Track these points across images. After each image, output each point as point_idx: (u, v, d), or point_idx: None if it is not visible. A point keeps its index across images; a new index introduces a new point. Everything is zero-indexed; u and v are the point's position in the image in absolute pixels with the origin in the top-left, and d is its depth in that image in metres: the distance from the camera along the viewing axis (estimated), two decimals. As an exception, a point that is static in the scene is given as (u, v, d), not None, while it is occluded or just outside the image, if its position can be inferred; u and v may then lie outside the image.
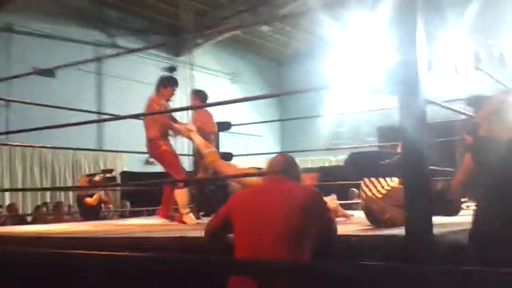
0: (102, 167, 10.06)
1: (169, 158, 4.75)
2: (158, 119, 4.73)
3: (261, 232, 2.32)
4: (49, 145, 8.35)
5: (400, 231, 2.15)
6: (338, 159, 12.38)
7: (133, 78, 11.63)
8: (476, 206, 2.48)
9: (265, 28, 13.29)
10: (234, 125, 6.30)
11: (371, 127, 12.73)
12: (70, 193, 10.15)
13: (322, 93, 13.25)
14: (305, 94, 13.19)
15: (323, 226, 2.44)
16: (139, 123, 5.13)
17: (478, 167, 2.53)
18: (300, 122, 13.15)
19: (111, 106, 10.04)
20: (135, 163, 11.33)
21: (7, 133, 6.15)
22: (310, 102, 12.71)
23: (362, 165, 2.91)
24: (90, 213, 6.71)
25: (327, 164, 12.97)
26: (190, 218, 4.57)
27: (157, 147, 4.74)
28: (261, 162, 4.89)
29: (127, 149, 8.96)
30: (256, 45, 14.93)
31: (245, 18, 11.82)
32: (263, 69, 15.53)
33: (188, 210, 4.66)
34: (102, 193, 7.38)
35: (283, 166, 2.62)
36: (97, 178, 7.14)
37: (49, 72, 9.96)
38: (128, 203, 9.90)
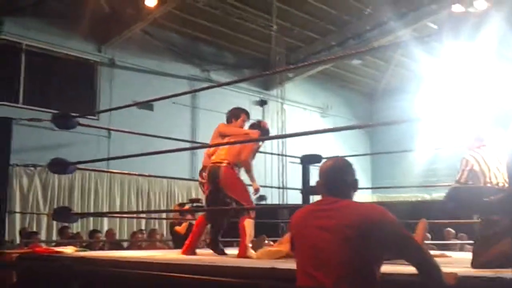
0: (194, 196, 10.35)
1: (243, 186, 4.63)
2: (240, 147, 4.69)
3: (316, 262, 2.13)
4: (145, 174, 8.78)
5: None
6: (433, 197, 11.89)
7: (225, 111, 11.94)
8: None
9: (356, 61, 13.24)
10: (324, 158, 6.27)
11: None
12: (164, 221, 10.51)
13: (415, 128, 12.89)
14: (397, 129, 12.89)
15: (394, 250, 2.15)
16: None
17: None
18: (391, 158, 12.83)
19: (205, 139, 10.35)
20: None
21: (108, 159, 6.51)
22: (401, 137, 12.39)
23: (465, 200, 2.72)
24: (180, 240, 6.84)
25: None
26: (252, 252, 4.36)
27: (233, 173, 4.62)
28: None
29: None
30: (347, 79, 14.88)
31: (336, 52, 11.86)
32: (354, 104, 15.40)
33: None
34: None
35: (328, 179, 2.29)
36: (186, 207, 7.32)
37: (147, 105, 10.53)
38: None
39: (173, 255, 4.35)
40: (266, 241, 4.65)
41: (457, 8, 9.43)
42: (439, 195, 10.57)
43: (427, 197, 12.65)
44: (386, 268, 2.19)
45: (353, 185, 2.34)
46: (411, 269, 2.16)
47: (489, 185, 3.33)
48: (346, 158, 2.50)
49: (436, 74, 12.41)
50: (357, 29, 11.66)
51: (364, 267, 2.08)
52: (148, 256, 4.08)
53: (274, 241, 5.00)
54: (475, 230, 3.67)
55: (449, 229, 6.98)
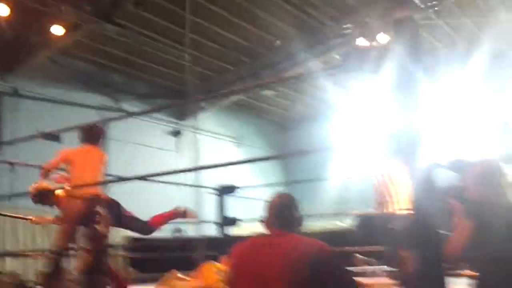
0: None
1: None
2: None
3: None
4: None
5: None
6: (344, 223, 12.23)
7: (139, 141, 11.72)
8: (476, 277, 2.41)
9: (268, 92, 13.52)
10: (238, 188, 6.28)
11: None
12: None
13: (327, 157, 13.28)
14: (310, 158, 13.23)
15: (332, 283, 2.15)
16: (142, 186, 5.03)
17: (477, 233, 2.43)
18: (305, 187, 13.04)
19: (117, 170, 10.04)
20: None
21: (9, 196, 6.14)
22: (315, 166, 12.71)
23: (373, 229, 2.84)
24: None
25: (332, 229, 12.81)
26: None
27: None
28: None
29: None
30: (260, 109, 15.13)
31: (249, 83, 12.04)
32: (268, 133, 15.66)
33: None
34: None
35: (278, 214, 2.34)
36: None
37: (54, 136, 10.05)
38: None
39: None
40: (179, 275, 4.52)
41: (361, 42, 9.91)
42: (349, 221, 10.91)
43: (340, 224, 13.00)
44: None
45: (299, 221, 2.39)
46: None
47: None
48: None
49: (345, 104, 12.93)
50: (268, 60, 11.92)
51: None
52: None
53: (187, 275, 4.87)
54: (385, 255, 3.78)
55: (357, 255, 7.16)
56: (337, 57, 11.28)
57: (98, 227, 4.15)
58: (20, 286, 7.43)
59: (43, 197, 4.49)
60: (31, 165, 6.41)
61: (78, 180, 4.43)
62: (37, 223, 5.21)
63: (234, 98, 13.11)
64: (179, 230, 11.45)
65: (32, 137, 5.29)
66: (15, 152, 9.15)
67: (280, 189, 14.58)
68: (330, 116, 14.32)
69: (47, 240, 9.85)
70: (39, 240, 9.74)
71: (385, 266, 3.94)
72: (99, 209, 4.21)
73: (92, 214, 4.21)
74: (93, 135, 4.59)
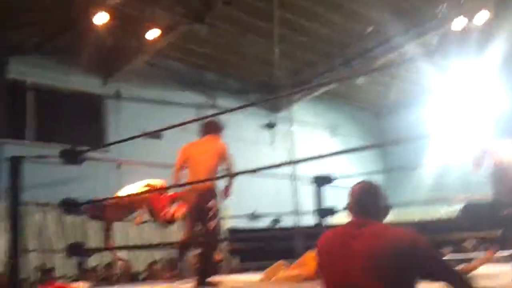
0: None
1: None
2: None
3: (343, 283, 2.07)
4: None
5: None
6: (446, 211, 11.76)
7: (234, 136, 11.94)
8: None
9: (361, 80, 13.25)
10: (335, 179, 6.20)
11: (481, 177, 12.05)
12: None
13: (424, 143, 12.81)
14: (407, 146, 12.81)
15: (428, 275, 2.07)
16: (243, 179, 5.06)
17: None
18: (403, 175, 12.74)
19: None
20: (239, 219, 11.44)
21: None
22: (412, 153, 12.31)
23: (478, 217, 2.68)
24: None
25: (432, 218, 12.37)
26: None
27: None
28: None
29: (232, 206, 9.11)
30: (353, 98, 14.89)
31: (341, 72, 11.89)
32: (363, 121, 15.37)
33: None
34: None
35: (360, 202, 2.24)
36: None
37: (155, 135, 10.54)
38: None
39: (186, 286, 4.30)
40: (284, 266, 4.56)
41: (458, 22, 9.45)
42: (452, 209, 10.47)
43: (440, 211, 12.51)
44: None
45: (385, 210, 2.29)
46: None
47: None
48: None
49: (443, 87, 12.40)
50: (359, 49, 11.70)
51: None
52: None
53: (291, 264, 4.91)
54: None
55: (466, 243, 6.86)
56: (433, 39, 10.85)
57: (210, 220, 4.26)
58: (130, 276, 7.86)
59: None
60: (136, 163, 6.76)
61: (193, 173, 4.58)
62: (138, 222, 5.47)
63: (326, 88, 12.99)
64: (277, 221, 11.52)
65: (134, 138, 5.53)
66: (120, 151, 9.74)
67: (377, 177, 14.29)
68: (426, 101, 13.79)
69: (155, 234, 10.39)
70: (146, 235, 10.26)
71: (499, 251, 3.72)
72: (212, 202, 4.30)
73: (205, 207, 4.32)
74: (209, 128, 4.73)
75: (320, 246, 2.28)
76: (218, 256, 5.55)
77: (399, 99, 15.00)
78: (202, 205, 4.33)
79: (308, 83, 12.10)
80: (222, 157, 4.46)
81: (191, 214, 4.57)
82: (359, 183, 2.35)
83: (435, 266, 2.06)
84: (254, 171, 4.65)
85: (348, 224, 2.24)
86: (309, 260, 4.07)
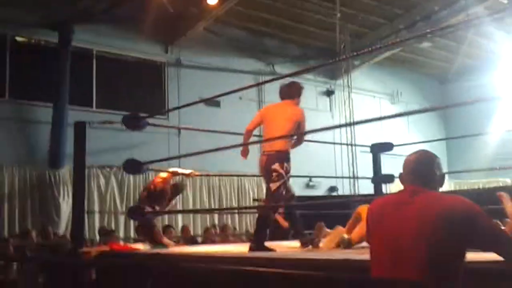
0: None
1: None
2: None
3: (392, 254, 2.03)
4: (216, 171, 8.90)
5: None
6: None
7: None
8: None
9: (425, 44, 12.75)
10: (395, 145, 6.07)
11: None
12: (236, 216, 10.62)
13: (491, 109, 12.30)
14: (471, 112, 12.33)
15: (482, 244, 2.04)
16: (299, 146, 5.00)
17: None
18: (467, 143, 12.29)
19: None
20: (296, 187, 11.48)
21: (179, 157, 6.64)
22: (476, 120, 11.87)
23: None
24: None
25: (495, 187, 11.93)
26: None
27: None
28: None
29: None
30: (416, 63, 14.38)
31: (404, 36, 11.48)
32: (425, 88, 14.85)
33: None
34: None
35: (415, 170, 2.20)
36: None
37: (214, 102, 10.65)
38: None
39: (245, 248, 4.36)
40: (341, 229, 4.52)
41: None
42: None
43: (508, 181, 12.04)
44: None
45: (440, 180, 2.24)
46: (490, 256, 2.05)
47: None
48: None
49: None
50: (425, 11, 11.23)
51: (446, 262, 1.96)
52: (219, 250, 4.11)
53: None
54: None
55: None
56: (503, 0, 10.26)
57: (272, 182, 4.27)
58: (189, 239, 8.07)
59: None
60: (196, 129, 6.86)
61: (264, 135, 4.63)
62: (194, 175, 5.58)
63: (388, 53, 12.60)
64: (334, 189, 11.51)
65: (194, 103, 5.62)
66: (180, 119, 9.93)
67: (438, 146, 13.85)
68: (494, 66, 13.16)
69: (213, 199, 10.60)
70: (205, 198, 10.48)
71: None
72: (277, 166, 4.31)
73: (270, 169, 4.34)
74: (286, 92, 4.71)
75: (371, 212, 2.28)
76: (283, 222, 5.57)
77: (465, 65, 14.39)
78: (268, 167, 4.34)
79: (370, 48, 11.76)
80: (296, 123, 4.42)
81: (263, 177, 4.62)
82: (414, 152, 2.30)
83: (489, 237, 2.02)
84: (313, 131, 4.60)
85: (401, 191, 2.21)
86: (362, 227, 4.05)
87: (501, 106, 11.85)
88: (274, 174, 4.29)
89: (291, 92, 4.68)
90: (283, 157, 4.36)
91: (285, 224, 5.49)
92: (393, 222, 2.08)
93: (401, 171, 2.25)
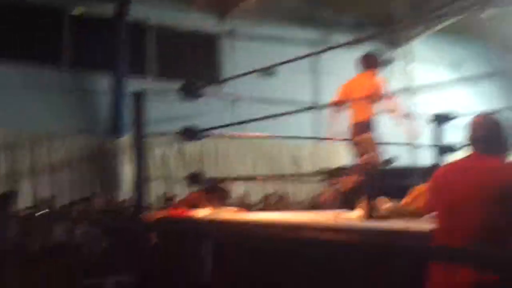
0: (321, 160, 10.40)
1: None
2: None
3: (456, 221, 1.99)
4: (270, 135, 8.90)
5: None
6: None
7: (348, 74, 11.64)
8: None
9: (492, 11, 12.12)
10: (455, 116, 5.85)
11: None
12: (294, 185, 10.64)
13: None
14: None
15: None
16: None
17: None
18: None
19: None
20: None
21: (233, 124, 6.65)
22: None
23: None
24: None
25: None
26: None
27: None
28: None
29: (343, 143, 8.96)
30: (481, 32, 13.72)
31: (467, 3, 10.95)
32: (491, 58, 14.19)
33: None
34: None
35: (482, 135, 2.12)
36: None
37: (269, 73, 10.56)
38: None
39: (303, 216, 4.34)
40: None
41: None
42: None
43: None
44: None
45: (506, 146, 2.13)
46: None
47: None
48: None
49: None
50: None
51: (507, 231, 1.91)
52: (277, 217, 4.10)
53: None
54: None
55: None
56: None
57: (362, 154, 4.28)
58: (246, 206, 8.12)
59: None
60: (251, 98, 6.86)
61: (351, 108, 4.62)
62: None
63: (451, 20, 12.06)
64: (393, 159, 11.18)
65: (248, 73, 5.57)
66: (235, 89, 9.93)
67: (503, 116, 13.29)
68: None
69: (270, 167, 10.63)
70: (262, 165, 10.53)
71: None
72: (365, 135, 4.32)
73: (358, 140, 4.37)
74: (363, 62, 4.69)
75: (436, 180, 2.22)
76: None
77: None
78: (357, 136, 4.37)
79: (430, 15, 11.31)
80: (376, 94, 4.38)
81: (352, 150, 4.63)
82: (479, 115, 2.24)
83: None
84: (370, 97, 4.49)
85: (466, 157, 2.16)
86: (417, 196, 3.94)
87: None
88: (362, 145, 4.29)
89: (368, 63, 4.66)
90: (368, 127, 4.35)
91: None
92: (456, 188, 2.05)
93: (467, 135, 2.19)
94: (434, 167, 4.63)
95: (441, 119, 5.69)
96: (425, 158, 8.23)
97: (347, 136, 4.54)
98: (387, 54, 12.59)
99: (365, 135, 4.35)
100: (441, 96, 11.56)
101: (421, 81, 11.68)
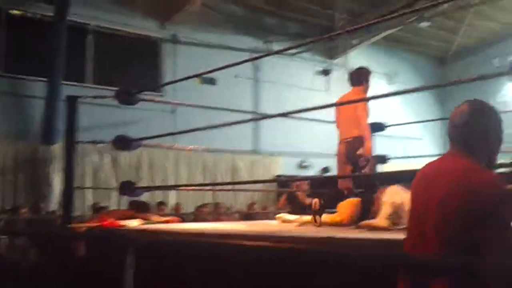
0: (258, 171, 10.46)
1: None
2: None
3: (420, 226, 1.76)
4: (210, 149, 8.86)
5: None
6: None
7: (289, 82, 11.83)
8: None
9: (424, 24, 12.62)
10: (389, 126, 6.02)
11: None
12: (229, 194, 10.60)
13: (491, 92, 12.24)
14: (471, 92, 12.22)
15: (497, 237, 1.59)
16: (293, 126, 5.01)
17: None
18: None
19: (269, 110, 10.31)
20: (289, 167, 11.49)
21: (172, 134, 6.56)
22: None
23: None
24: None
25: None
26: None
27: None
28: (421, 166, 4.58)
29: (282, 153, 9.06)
30: (414, 43, 14.24)
31: (403, 16, 11.34)
32: (423, 69, 14.75)
33: None
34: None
35: (455, 128, 1.81)
36: None
37: (210, 80, 10.57)
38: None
39: (232, 226, 4.35)
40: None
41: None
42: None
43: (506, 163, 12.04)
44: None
45: (488, 143, 1.76)
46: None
47: None
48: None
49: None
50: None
51: (462, 242, 1.61)
52: (206, 227, 4.10)
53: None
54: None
55: None
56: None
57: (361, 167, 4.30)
58: (179, 216, 8.04)
59: None
60: (191, 105, 6.82)
61: (339, 125, 4.67)
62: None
63: (386, 33, 12.47)
64: (326, 169, 11.47)
65: (187, 78, 5.52)
66: (175, 96, 9.85)
67: (435, 128, 13.71)
68: (495, 47, 13.08)
69: (206, 177, 10.58)
70: (199, 177, 10.46)
71: None
72: (360, 151, 4.35)
73: (353, 156, 4.37)
74: (352, 77, 4.69)
75: (413, 182, 1.93)
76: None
77: (466, 46, 14.28)
78: (350, 153, 4.39)
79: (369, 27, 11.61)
80: (356, 113, 4.41)
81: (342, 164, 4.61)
82: (463, 103, 1.86)
83: (497, 218, 1.60)
84: (303, 110, 4.55)
85: (441, 158, 1.88)
86: (344, 207, 4.05)
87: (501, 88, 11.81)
88: (360, 159, 4.31)
89: (357, 78, 4.66)
90: (356, 143, 4.38)
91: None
92: (423, 195, 1.78)
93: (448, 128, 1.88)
94: (367, 176, 4.71)
95: (372, 127, 5.82)
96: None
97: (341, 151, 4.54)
98: (326, 65, 12.86)
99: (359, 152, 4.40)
100: (376, 106, 11.94)
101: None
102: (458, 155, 1.76)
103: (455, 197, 1.63)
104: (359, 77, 4.64)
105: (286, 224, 4.35)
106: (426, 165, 1.91)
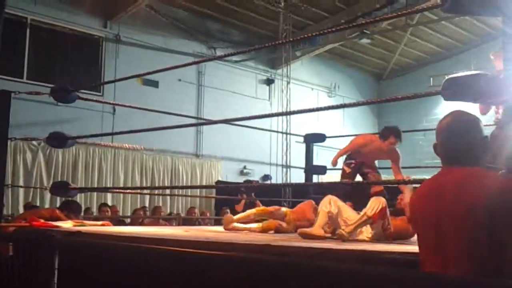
0: (198, 175, 10.41)
1: None
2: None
3: (437, 245, 1.72)
4: (151, 153, 8.75)
5: None
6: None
7: (232, 89, 11.89)
8: None
9: (365, 41, 13.03)
10: (328, 137, 6.17)
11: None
12: (168, 198, 10.48)
13: (425, 108, 12.76)
14: (405, 110, 12.75)
15: None
16: (236, 132, 5.02)
17: None
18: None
19: (210, 116, 10.32)
20: (230, 173, 11.52)
21: (112, 134, 6.45)
22: (411, 117, 12.28)
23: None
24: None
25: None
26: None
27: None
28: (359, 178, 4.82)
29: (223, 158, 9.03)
30: (355, 59, 14.68)
31: (345, 31, 11.67)
32: (362, 84, 15.23)
33: None
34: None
35: (444, 141, 1.79)
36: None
37: (152, 82, 10.45)
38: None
39: (169, 231, 4.31)
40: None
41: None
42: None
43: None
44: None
45: (478, 146, 1.78)
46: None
47: None
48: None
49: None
50: (367, 7, 11.44)
51: (489, 258, 1.62)
52: (140, 231, 4.04)
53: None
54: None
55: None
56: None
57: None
58: (115, 219, 7.89)
59: None
60: (131, 106, 6.71)
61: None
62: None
63: (328, 47, 12.79)
64: (267, 177, 11.62)
65: (129, 78, 5.43)
66: (116, 97, 9.68)
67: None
68: (430, 67, 13.69)
69: (145, 180, 10.42)
70: (137, 178, 10.29)
71: None
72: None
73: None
74: (385, 133, 4.75)
75: (415, 199, 1.93)
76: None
77: (403, 63, 14.85)
78: None
79: (313, 39, 11.84)
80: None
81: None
82: (447, 115, 1.83)
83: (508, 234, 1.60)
84: (245, 118, 4.61)
85: (442, 171, 1.83)
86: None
87: (435, 106, 12.34)
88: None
89: (387, 135, 4.70)
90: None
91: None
92: (432, 211, 1.75)
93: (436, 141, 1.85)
94: (304, 185, 4.80)
95: (311, 138, 5.95)
96: (297, 177, 8.56)
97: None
98: (268, 74, 13.01)
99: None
100: (315, 117, 12.22)
101: (298, 102, 12.19)
102: (452, 167, 1.78)
103: (476, 203, 1.63)
104: (384, 134, 4.74)
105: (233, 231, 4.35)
106: (428, 180, 1.91)
